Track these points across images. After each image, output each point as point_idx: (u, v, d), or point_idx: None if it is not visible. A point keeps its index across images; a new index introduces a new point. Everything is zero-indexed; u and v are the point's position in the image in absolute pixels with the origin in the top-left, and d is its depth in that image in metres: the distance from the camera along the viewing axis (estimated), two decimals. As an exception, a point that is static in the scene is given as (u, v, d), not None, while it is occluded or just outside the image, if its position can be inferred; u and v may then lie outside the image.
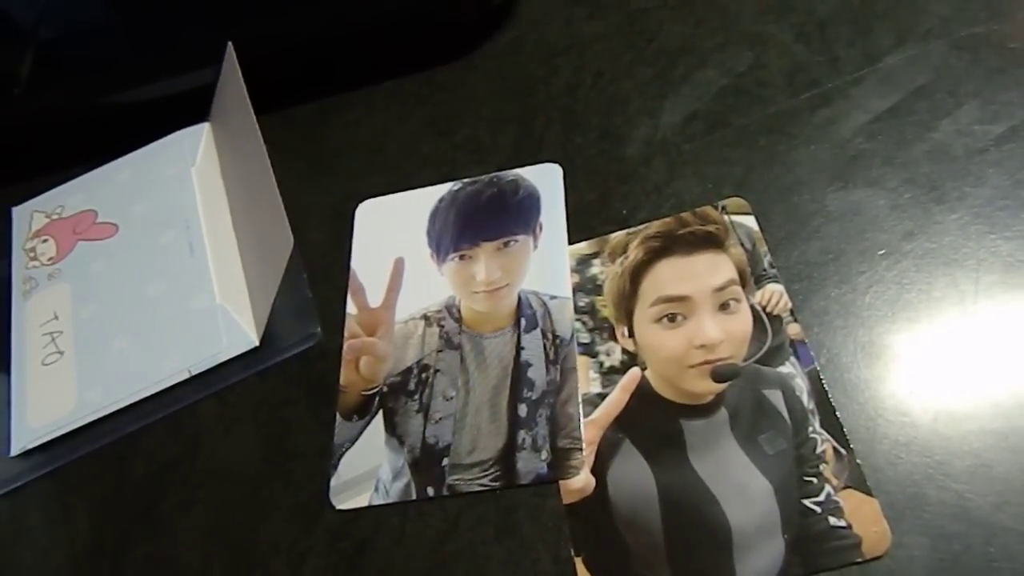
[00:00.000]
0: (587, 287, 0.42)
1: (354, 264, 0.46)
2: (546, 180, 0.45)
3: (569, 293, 0.42)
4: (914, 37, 0.44)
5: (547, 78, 0.50)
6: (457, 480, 0.38)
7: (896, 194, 0.40)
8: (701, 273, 0.40)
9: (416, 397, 0.40)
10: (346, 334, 0.43)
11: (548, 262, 0.43)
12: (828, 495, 0.34)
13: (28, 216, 0.53)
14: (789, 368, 0.37)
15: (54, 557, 0.42)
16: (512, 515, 0.37)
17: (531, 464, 0.38)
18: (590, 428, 0.38)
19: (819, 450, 0.35)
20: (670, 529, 0.35)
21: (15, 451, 0.44)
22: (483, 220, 0.45)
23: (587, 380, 0.39)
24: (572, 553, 0.35)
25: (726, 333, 0.38)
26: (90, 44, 0.56)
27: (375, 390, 0.41)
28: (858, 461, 0.34)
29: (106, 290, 0.48)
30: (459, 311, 0.42)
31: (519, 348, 0.41)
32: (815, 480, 0.34)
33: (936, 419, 0.35)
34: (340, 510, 0.39)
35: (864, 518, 0.33)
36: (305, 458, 0.41)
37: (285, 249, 0.42)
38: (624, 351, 0.39)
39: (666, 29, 0.49)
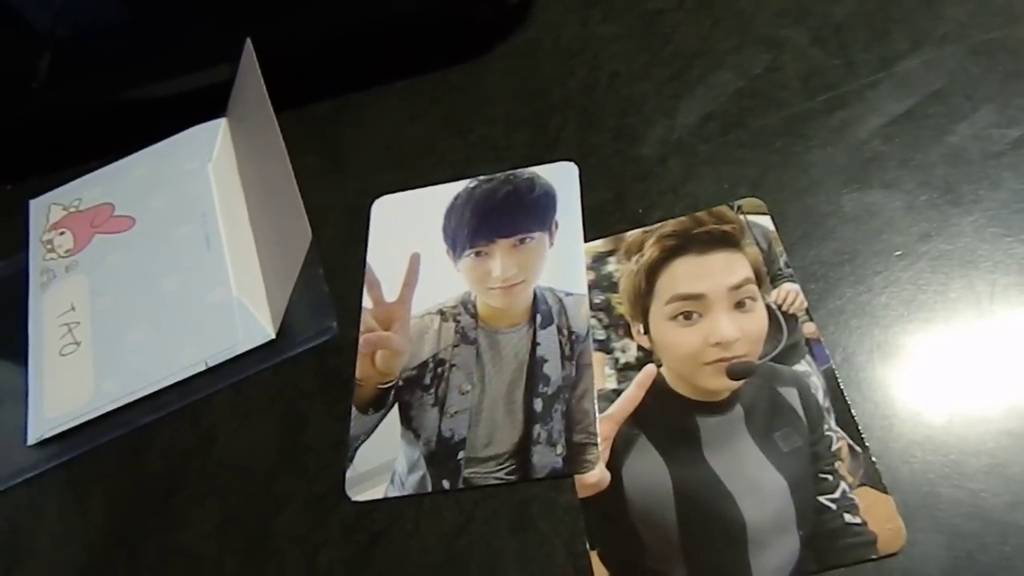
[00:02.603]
0: (603, 284, 0.42)
1: (370, 259, 0.46)
2: (562, 178, 0.46)
3: (585, 290, 0.42)
4: (930, 41, 0.44)
5: (563, 78, 0.50)
6: (472, 473, 0.38)
7: (912, 196, 0.40)
8: (717, 272, 0.40)
9: (432, 391, 0.41)
10: (362, 328, 0.44)
11: (564, 259, 0.43)
12: (843, 492, 0.34)
13: (46, 209, 0.53)
14: (804, 366, 0.37)
15: (70, 546, 0.42)
16: (527, 508, 0.37)
17: (546, 458, 0.38)
18: (605, 423, 0.38)
19: (834, 448, 0.35)
20: (685, 524, 0.35)
21: (32, 440, 0.44)
22: (499, 217, 0.45)
23: (602, 376, 0.39)
24: (587, 547, 0.36)
25: (742, 331, 0.38)
26: (108, 40, 0.56)
27: (391, 384, 0.41)
28: (873, 459, 0.34)
29: (123, 282, 0.48)
30: (475, 307, 0.43)
31: (535, 344, 0.41)
32: (830, 477, 0.35)
33: (951, 419, 0.35)
34: (356, 502, 0.39)
35: (879, 515, 0.33)
36: (320, 450, 0.41)
37: (303, 243, 0.42)
38: (639, 348, 0.40)
39: (682, 31, 0.49)
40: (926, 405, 0.35)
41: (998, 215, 0.39)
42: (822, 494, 0.34)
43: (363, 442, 0.40)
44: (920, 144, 0.42)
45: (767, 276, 0.40)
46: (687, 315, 0.39)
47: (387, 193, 0.48)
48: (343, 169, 0.50)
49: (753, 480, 0.35)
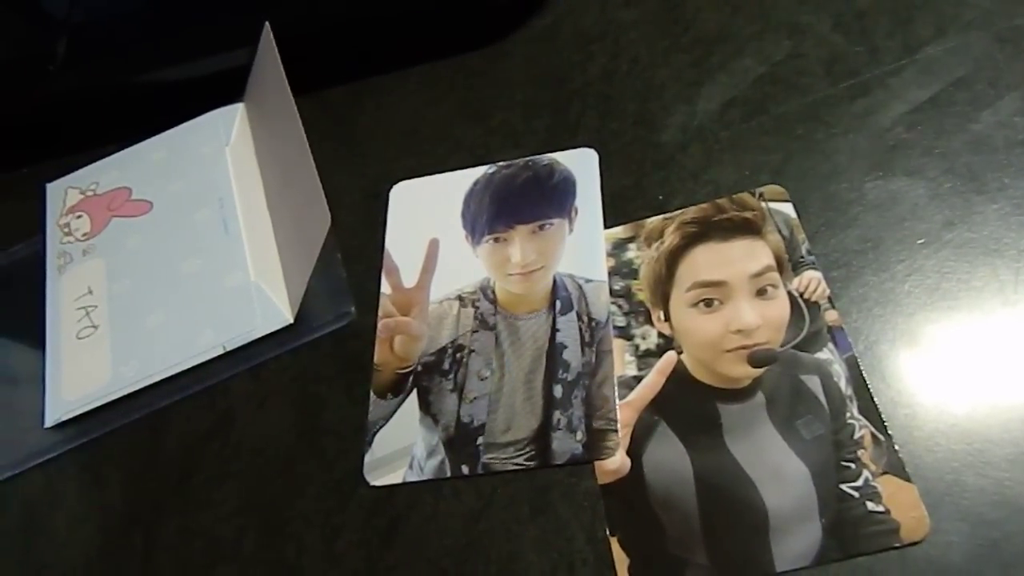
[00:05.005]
0: (623, 271, 0.42)
1: (388, 245, 0.46)
2: (581, 165, 0.45)
3: (605, 276, 0.42)
4: (955, 28, 0.44)
5: (583, 64, 0.49)
6: (491, 459, 0.38)
7: (936, 184, 0.40)
8: (738, 259, 0.40)
9: (450, 376, 0.40)
10: (380, 313, 0.43)
11: (583, 246, 0.43)
12: (866, 480, 0.34)
13: (62, 192, 0.53)
14: (827, 354, 0.37)
15: (87, 528, 0.42)
16: (546, 494, 0.37)
17: (566, 444, 0.38)
18: (625, 410, 0.38)
19: (857, 436, 0.35)
20: (706, 511, 0.35)
21: (49, 423, 0.44)
22: (518, 203, 0.45)
23: (623, 363, 0.39)
24: (607, 533, 0.35)
25: (763, 318, 0.38)
26: (126, 24, 0.56)
27: (409, 369, 0.41)
28: (896, 447, 0.34)
29: (140, 266, 0.48)
30: (494, 292, 0.42)
31: (554, 330, 0.41)
32: (853, 465, 0.34)
33: (975, 407, 0.35)
34: (374, 486, 0.39)
35: (902, 504, 0.33)
36: (339, 435, 0.41)
37: (322, 227, 0.42)
38: (660, 335, 0.39)
39: (702, 17, 0.49)
40: (950, 393, 0.35)
41: (1023, 203, 0.39)
42: (844, 482, 0.34)
43: (381, 427, 0.40)
44: (944, 132, 0.41)
45: (789, 263, 0.40)
46: (708, 302, 0.39)
47: (405, 178, 0.48)
48: (361, 154, 0.50)
49: (775, 467, 0.35)
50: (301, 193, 0.44)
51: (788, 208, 0.41)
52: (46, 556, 0.42)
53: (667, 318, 0.40)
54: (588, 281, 0.42)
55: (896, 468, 0.34)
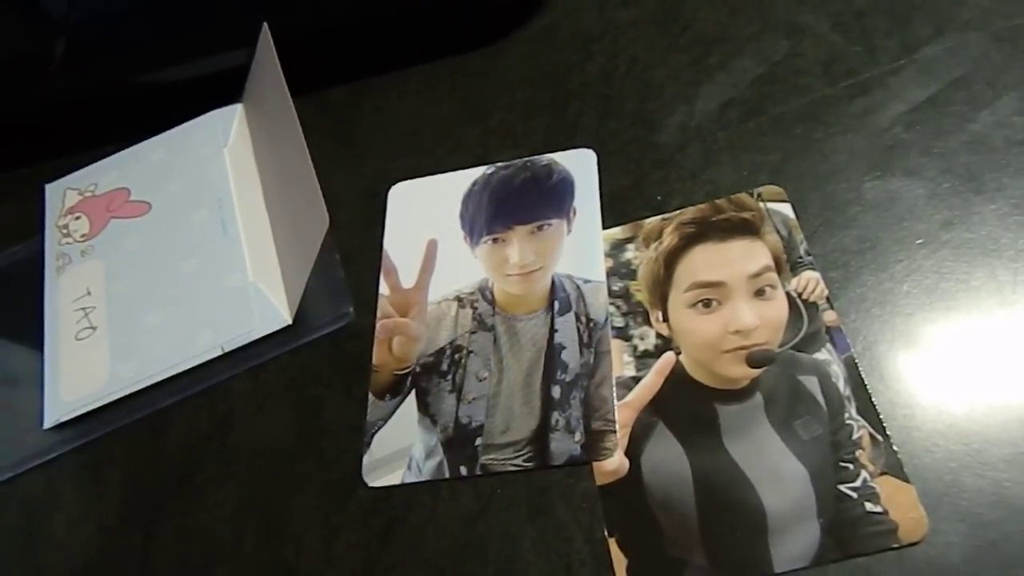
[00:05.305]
0: (621, 271, 0.42)
1: (387, 245, 0.46)
2: (580, 165, 0.45)
3: (603, 277, 0.42)
4: (953, 28, 0.44)
5: (581, 64, 0.50)
6: (490, 460, 0.38)
7: (934, 184, 0.40)
8: (736, 259, 0.40)
9: (449, 377, 0.41)
10: (379, 314, 0.43)
11: (582, 246, 0.43)
12: (864, 481, 0.34)
13: (61, 193, 0.53)
14: (825, 355, 0.37)
15: (86, 529, 0.42)
16: (545, 495, 0.37)
17: (564, 445, 0.38)
18: (624, 411, 0.38)
19: (855, 436, 0.35)
20: (704, 512, 0.35)
21: (48, 424, 0.44)
22: (516, 204, 0.45)
23: (621, 363, 0.39)
24: (605, 534, 0.35)
25: (761, 319, 0.38)
26: (124, 24, 0.56)
27: (408, 370, 0.41)
28: (894, 448, 0.34)
29: (139, 267, 0.48)
30: (492, 293, 0.42)
31: (553, 331, 0.41)
32: (851, 466, 0.34)
33: (973, 408, 0.35)
34: (372, 487, 0.39)
35: (901, 504, 0.33)
36: (337, 435, 0.41)
37: (320, 228, 0.42)
38: (658, 335, 0.39)
39: (701, 17, 0.49)
40: (948, 394, 0.35)
41: (1021, 203, 0.39)
42: (843, 482, 0.34)
43: (380, 428, 0.40)
44: (942, 131, 0.41)
45: (787, 264, 0.40)
46: (706, 303, 0.39)
47: (404, 178, 0.48)
48: (360, 154, 0.50)
49: (773, 468, 0.35)
50: (299, 194, 0.44)
51: (786, 208, 0.41)
52: (46, 557, 0.42)
53: (665, 319, 0.40)
54: (586, 282, 0.42)
55: (894, 468, 0.34)
